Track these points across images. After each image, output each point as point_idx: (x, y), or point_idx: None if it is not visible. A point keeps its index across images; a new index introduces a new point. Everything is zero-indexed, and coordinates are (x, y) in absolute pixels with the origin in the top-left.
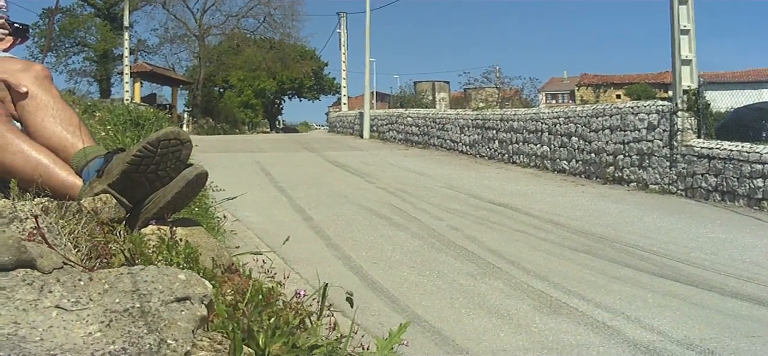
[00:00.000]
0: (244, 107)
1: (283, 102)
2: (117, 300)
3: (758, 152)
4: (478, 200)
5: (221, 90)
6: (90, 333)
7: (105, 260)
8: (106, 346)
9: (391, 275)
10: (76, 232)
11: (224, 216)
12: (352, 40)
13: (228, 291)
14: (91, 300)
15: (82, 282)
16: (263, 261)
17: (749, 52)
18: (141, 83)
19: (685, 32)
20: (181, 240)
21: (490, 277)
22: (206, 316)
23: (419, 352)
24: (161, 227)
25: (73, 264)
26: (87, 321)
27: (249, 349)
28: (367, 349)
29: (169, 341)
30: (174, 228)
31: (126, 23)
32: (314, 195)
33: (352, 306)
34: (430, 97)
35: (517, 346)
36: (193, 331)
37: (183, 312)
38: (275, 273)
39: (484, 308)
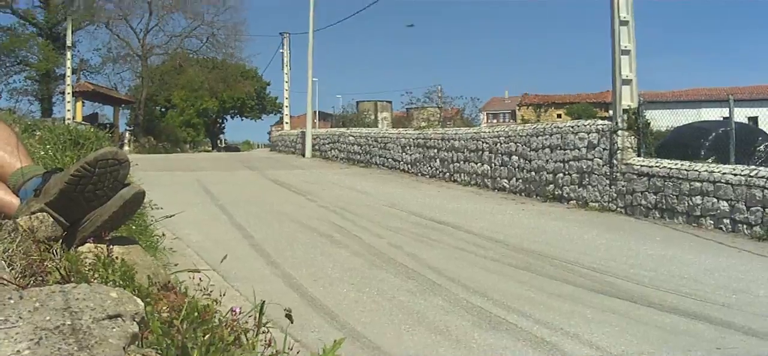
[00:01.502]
0: (185, 126)
1: (225, 121)
2: (48, 318)
3: (697, 170)
4: (419, 218)
5: (163, 109)
6: (18, 351)
7: (40, 278)
8: None
9: (331, 292)
10: (10, 251)
11: (163, 235)
12: (295, 59)
13: (163, 308)
14: (21, 318)
15: (12, 300)
16: (200, 279)
17: (688, 72)
18: (83, 103)
19: (626, 52)
20: (117, 258)
21: (430, 294)
22: (137, 333)
23: None
24: (98, 245)
25: (5, 282)
26: (16, 340)
27: None
28: None
29: None
30: (111, 247)
31: (68, 43)
32: (255, 214)
33: (291, 322)
34: (373, 117)
35: None
36: (124, 348)
37: (114, 330)
38: (212, 291)
39: (423, 324)
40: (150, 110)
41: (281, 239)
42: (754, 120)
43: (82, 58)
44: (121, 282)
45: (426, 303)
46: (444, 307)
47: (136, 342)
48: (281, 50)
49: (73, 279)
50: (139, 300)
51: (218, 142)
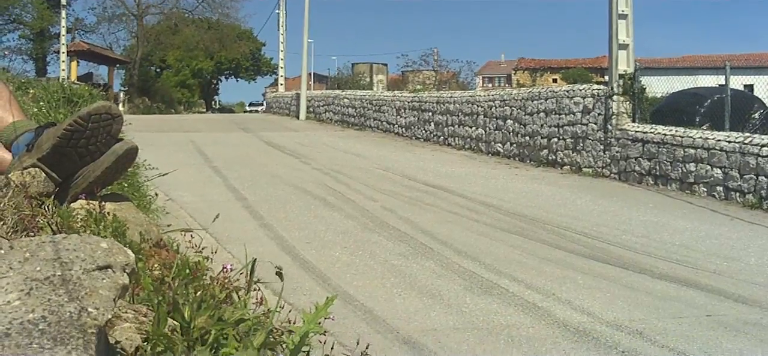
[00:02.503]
0: (180, 87)
1: (219, 82)
2: (38, 269)
3: (691, 136)
4: (413, 181)
5: (158, 70)
6: (9, 301)
7: (32, 233)
8: (25, 315)
9: (324, 255)
10: (2, 205)
11: (155, 194)
12: (291, 20)
13: (155, 265)
14: (11, 268)
15: (2, 251)
16: (191, 236)
17: (685, 39)
18: (77, 62)
19: (623, 17)
20: (109, 214)
21: (422, 258)
22: (127, 285)
23: (350, 331)
24: (90, 202)
25: None
26: (6, 290)
27: (174, 322)
28: (294, 324)
29: (89, 309)
30: (103, 203)
31: (63, 1)
32: (248, 176)
33: (281, 280)
34: (368, 79)
35: (448, 326)
36: (114, 299)
37: (104, 280)
38: (204, 250)
39: (415, 288)
40: (145, 70)
41: (274, 201)
42: (749, 88)
43: (77, 17)
44: (112, 238)
45: (418, 266)
46: (436, 271)
47: (127, 294)
48: (277, 10)
49: (64, 233)
50: (129, 251)
51: (212, 103)
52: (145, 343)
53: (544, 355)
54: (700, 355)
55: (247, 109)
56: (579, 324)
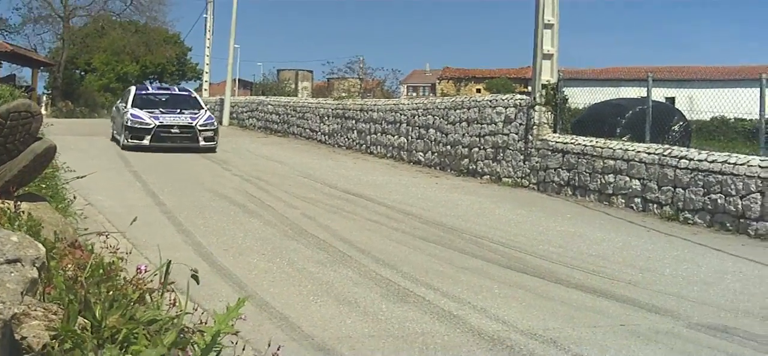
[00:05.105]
0: (104, 91)
1: None
2: None
3: (611, 148)
4: (334, 189)
5: (83, 73)
6: None
7: None
8: None
9: (241, 262)
10: None
11: (74, 197)
12: (218, 24)
13: (69, 264)
14: None
15: None
16: (107, 238)
17: (609, 50)
18: (0, 64)
19: (549, 26)
20: (24, 213)
21: (340, 265)
22: (37, 279)
23: (265, 337)
24: (5, 201)
25: None
26: None
27: (85, 320)
28: (206, 324)
29: None
30: (18, 202)
31: None
32: (169, 181)
33: (197, 283)
34: (293, 86)
35: (363, 333)
36: (22, 293)
37: (12, 274)
38: (120, 253)
39: (332, 295)
40: (69, 73)
41: (194, 207)
42: (671, 100)
43: (1, 16)
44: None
45: (336, 274)
46: (353, 279)
47: (37, 291)
48: (205, 15)
49: None
50: (40, 246)
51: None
52: (54, 340)
53: None
54: None
55: None
56: (494, 332)
